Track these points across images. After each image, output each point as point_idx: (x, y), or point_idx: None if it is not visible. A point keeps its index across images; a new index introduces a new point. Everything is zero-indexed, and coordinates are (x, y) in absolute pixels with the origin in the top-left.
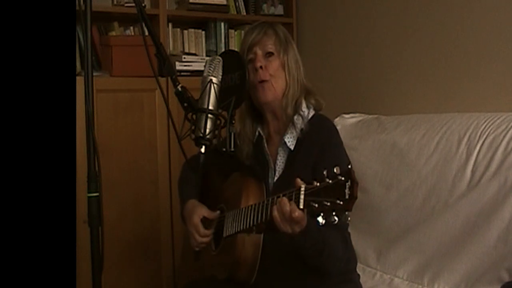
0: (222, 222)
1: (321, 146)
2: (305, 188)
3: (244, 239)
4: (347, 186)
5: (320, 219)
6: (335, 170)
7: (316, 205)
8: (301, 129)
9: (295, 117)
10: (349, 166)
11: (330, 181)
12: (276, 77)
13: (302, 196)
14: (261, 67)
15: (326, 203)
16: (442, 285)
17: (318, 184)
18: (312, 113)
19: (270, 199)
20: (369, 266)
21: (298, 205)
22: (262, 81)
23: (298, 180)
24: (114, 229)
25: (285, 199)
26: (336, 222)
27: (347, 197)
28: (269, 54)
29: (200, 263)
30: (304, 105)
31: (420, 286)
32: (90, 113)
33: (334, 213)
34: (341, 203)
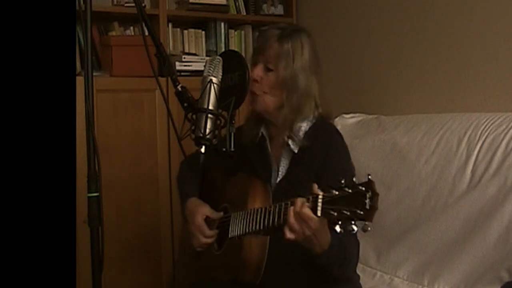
0: (226, 222)
1: (325, 152)
2: (323, 196)
3: (251, 241)
4: (367, 197)
5: (337, 228)
6: (353, 180)
7: (335, 213)
8: (305, 133)
9: (296, 125)
10: (369, 177)
11: (350, 191)
12: (269, 94)
13: (319, 204)
14: (256, 80)
15: (345, 211)
16: (442, 285)
17: (336, 192)
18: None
19: (283, 204)
20: (369, 266)
21: (315, 213)
22: (254, 93)
23: (315, 187)
24: (114, 229)
25: (305, 205)
26: (354, 231)
27: (367, 207)
28: (268, 69)
29: (201, 262)
30: (309, 112)
31: (420, 286)
32: (90, 113)
33: (353, 222)
34: (362, 213)
